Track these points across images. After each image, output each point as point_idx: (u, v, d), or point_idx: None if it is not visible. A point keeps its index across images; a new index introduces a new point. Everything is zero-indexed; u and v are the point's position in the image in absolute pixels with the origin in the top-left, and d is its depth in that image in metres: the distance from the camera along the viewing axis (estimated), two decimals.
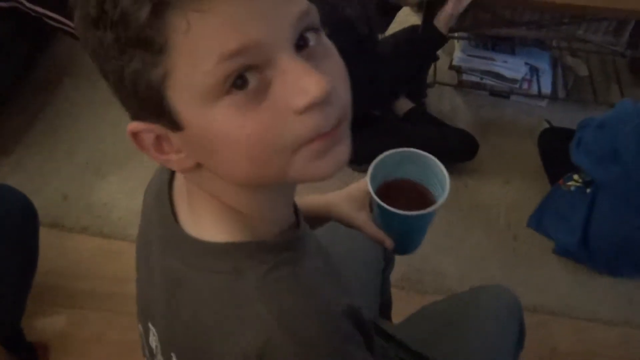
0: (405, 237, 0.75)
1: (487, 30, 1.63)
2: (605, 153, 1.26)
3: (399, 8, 1.64)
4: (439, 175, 0.71)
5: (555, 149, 1.61)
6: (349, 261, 0.92)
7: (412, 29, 1.71)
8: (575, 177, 1.46)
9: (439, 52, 1.96)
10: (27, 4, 1.61)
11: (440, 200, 0.69)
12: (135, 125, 0.44)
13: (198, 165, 0.46)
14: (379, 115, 1.68)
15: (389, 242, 0.74)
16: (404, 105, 1.78)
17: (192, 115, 0.41)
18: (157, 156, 0.46)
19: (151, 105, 0.41)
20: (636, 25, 1.55)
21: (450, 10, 1.41)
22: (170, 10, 0.37)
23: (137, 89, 0.40)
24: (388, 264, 1.04)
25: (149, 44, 0.37)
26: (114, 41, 0.38)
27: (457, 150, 1.68)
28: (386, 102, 1.61)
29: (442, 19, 1.42)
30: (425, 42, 1.48)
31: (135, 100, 0.42)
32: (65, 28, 1.64)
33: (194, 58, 0.38)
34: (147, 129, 0.44)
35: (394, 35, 1.72)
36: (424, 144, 1.62)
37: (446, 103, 1.93)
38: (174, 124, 0.42)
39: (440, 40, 1.45)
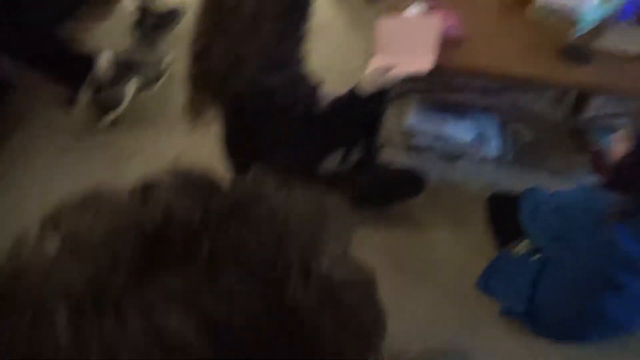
0: None
1: (437, 95, 1.68)
2: (561, 235, 1.29)
3: None
4: None
5: (503, 213, 1.64)
6: None
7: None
8: (524, 242, 1.48)
9: (392, 115, 2.02)
10: None
11: None
12: None
13: None
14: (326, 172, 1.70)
15: None
16: (353, 158, 1.81)
17: None
18: None
19: None
20: (577, 95, 1.63)
21: (375, 75, 1.45)
22: None
23: None
24: None
25: None
26: None
27: (405, 186, 1.72)
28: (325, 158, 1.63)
29: (364, 82, 1.46)
30: (352, 104, 1.50)
31: None
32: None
33: None
34: None
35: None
36: (372, 190, 1.66)
37: (398, 165, 1.95)
38: None
39: (360, 102, 1.47)
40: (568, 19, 1.65)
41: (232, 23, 1.27)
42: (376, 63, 1.52)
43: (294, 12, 1.30)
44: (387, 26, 1.57)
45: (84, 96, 1.89)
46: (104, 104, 1.91)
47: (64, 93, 1.91)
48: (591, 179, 1.84)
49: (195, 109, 1.45)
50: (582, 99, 1.64)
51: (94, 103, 1.91)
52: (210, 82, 1.37)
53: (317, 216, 0.44)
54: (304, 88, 1.45)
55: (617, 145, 1.25)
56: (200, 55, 1.35)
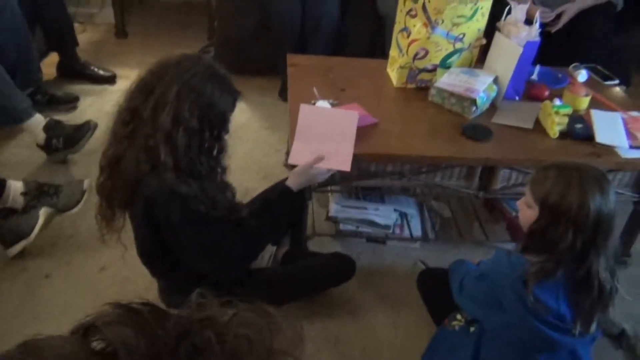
0: None
1: (355, 182, 1.74)
2: (490, 302, 1.32)
3: None
4: None
5: (435, 290, 1.67)
6: None
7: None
8: (458, 316, 1.50)
9: (316, 205, 2.06)
10: None
11: None
12: None
13: None
14: (255, 269, 1.68)
15: None
16: (282, 251, 1.80)
17: None
18: None
19: None
20: (483, 170, 1.74)
21: (298, 171, 1.51)
22: None
23: None
24: None
25: None
26: None
27: (336, 271, 1.71)
28: (255, 258, 1.62)
29: (291, 177, 1.51)
30: (278, 200, 1.53)
31: None
32: None
33: None
34: None
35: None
36: (304, 279, 1.65)
37: (327, 252, 1.97)
38: None
39: (291, 196, 1.51)
40: (463, 101, 1.80)
41: (146, 134, 1.28)
42: (296, 149, 1.57)
43: (209, 129, 1.33)
44: (307, 113, 1.63)
45: None
46: (13, 233, 1.79)
47: None
48: (510, 245, 1.93)
49: (106, 220, 1.41)
50: (489, 172, 1.75)
51: (4, 230, 1.79)
52: (121, 191, 1.35)
53: (267, 332, 0.44)
54: (223, 194, 1.45)
55: (521, 212, 1.34)
56: (112, 164, 1.34)
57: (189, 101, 1.26)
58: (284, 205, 1.53)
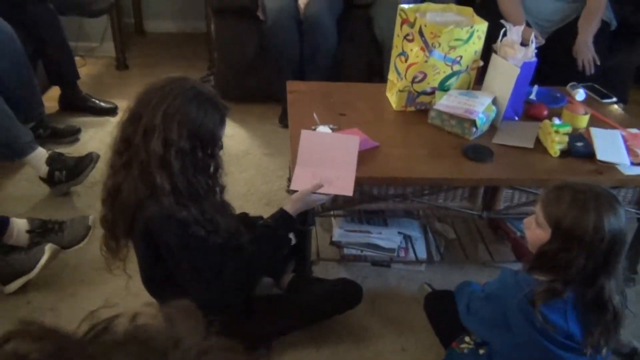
0: None
1: (358, 206, 1.74)
2: (497, 322, 1.31)
3: None
4: None
5: (442, 312, 1.65)
6: None
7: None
8: (467, 339, 1.49)
9: (319, 229, 2.06)
10: None
11: None
12: None
13: None
14: (261, 296, 1.67)
15: None
16: (286, 278, 1.79)
17: None
18: None
19: None
20: (486, 190, 1.74)
21: (297, 197, 1.51)
22: None
23: None
24: None
25: None
26: None
27: (342, 297, 1.70)
28: (253, 288, 1.61)
29: (290, 204, 1.52)
30: (276, 226, 1.53)
31: None
32: None
33: None
34: None
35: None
36: (311, 307, 1.63)
37: (332, 278, 1.95)
38: None
39: (290, 222, 1.51)
40: (463, 123, 1.81)
41: (140, 162, 1.29)
42: (298, 175, 1.57)
43: (201, 148, 1.33)
44: (308, 138, 1.64)
45: None
46: (12, 269, 1.78)
47: None
48: (516, 265, 1.92)
49: (111, 251, 1.41)
50: (491, 192, 1.75)
51: (4, 266, 1.78)
52: (122, 220, 1.35)
53: None
54: (222, 214, 1.45)
55: (529, 232, 1.33)
56: (112, 195, 1.35)
57: (176, 123, 1.27)
58: (283, 231, 1.53)
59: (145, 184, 1.28)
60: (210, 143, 1.36)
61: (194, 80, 1.36)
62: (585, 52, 2.47)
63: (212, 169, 1.39)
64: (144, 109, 1.28)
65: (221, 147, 1.41)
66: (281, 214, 1.51)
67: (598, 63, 2.45)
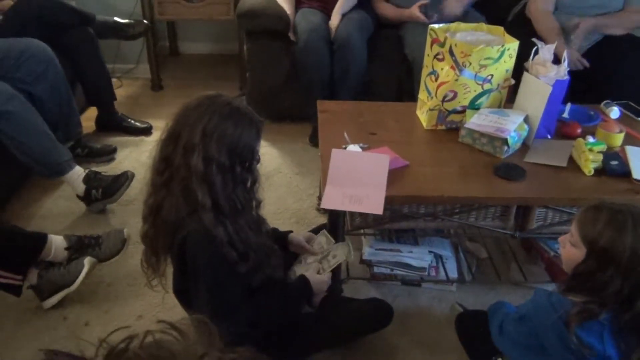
0: None
1: (388, 225, 1.74)
2: (531, 344, 1.29)
3: None
4: None
5: (474, 333, 1.63)
6: None
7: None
8: None
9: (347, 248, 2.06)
10: None
11: None
12: None
13: None
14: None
15: None
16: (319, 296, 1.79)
17: None
18: None
19: None
20: (518, 209, 1.72)
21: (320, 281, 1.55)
22: None
23: None
24: None
25: None
26: None
27: (373, 317, 1.70)
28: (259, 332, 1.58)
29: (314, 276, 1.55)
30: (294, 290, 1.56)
31: None
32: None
33: None
34: None
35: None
36: (341, 326, 1.62)
37: (362, 296, 1.94)
38: None
39: (306, 289, 1.53)
40: (494, 141, 1.80)
41: (181, 179, 1.32)
42: (329, 194, 1.58)
43: (240, 162, 1.36)
44: (339, 157, 1.65)
45: (33, 276, 1.82)
46: (52, 284, 1.83)
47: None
48: (550, 286, 1.88)
49: (152, 267, 1.44)
50: (524, 212, 1.73)
51: (43, 282, 1.83)
52: (163, 237, 1.38)
53: None
54: (257, 231, 1.47)
55: (563, 251, 1.31)
56: (153, 212, 1.38)
57: (215, 139, 1.29)
58: (299, 297, 1.55)
59: (186, 200, 1.31)
60: (249, 157, 1.38)
61: (228, 96, 1.39)
62: (580, 37, 2.48)
63: (249, 182, 1.42)
64: (183, 128, 1.31)
65: (259, 160, 1.43)
66: (303, 280, 1.54)
67: (587, 65, 2.45)
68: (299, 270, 1.66)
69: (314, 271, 1.59)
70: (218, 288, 1.36)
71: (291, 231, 1.77)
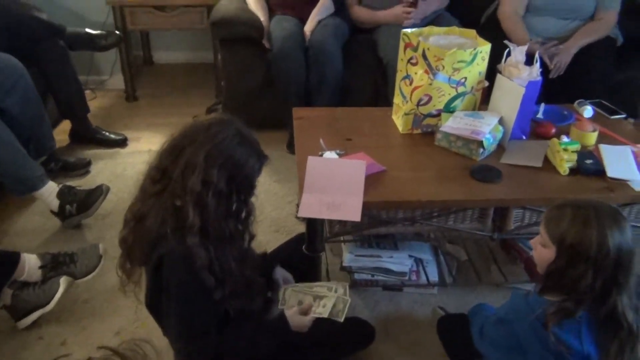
0: None
1: (367, 231, 1.73)
2: (512, 346, 1.29)
3: None
4: None
5: (455, 336, 1.63)
6: None
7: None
8: None
9: (329, 255, 2.04)
10: None
11: None
12: None
13: None
14: None
15: None
16: None
17: None
18: None
19: None
20: (496, 211, 1.72)
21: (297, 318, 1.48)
22: None
23: None
24: None
25: None
26: None
27: (354, 339, 1.66)
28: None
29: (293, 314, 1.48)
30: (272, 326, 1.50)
31: None
32: None
33: None
34: None
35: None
36: (320, 342, 1.59)
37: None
38: None
39: (284, 329, 1.46)
40: (470, 144, 1.80)
41: (174, 195, 1.29)
42: (306, 201, 1.56)
43: (236, 192, 1.33)
44: (315, 165, 1.64)
45: (7, 297, 1.78)
46: (27, 304, 1.78)
47: None
48: (530, 286, 1.89)
49: (125, 273, 1.41)
50: (502, 213, 1.73)
51: (18, 302, 1.78)
52: (141, 248, 1.35)
53: None
54: (241, 263, 1.41)
55: (536, 253, 1.31)
56: (136, 219, 1.35)
57: (218, 164, 1.27)
58: (273, 336, 1.48)
59: (175, 216, 1.28)
60: (246, 189, 1.36)
61: (239, 123, 1.36)
62: (566, 57, 2.50)
63: (244, 214, 1.39)
64: (188, 145, 1.28)
65: (255, 195, 1.41)
66: (282, 318, 1.48)
67: (561, 73, 2.50)
68: (289, 296, 1.60)
69: (298, 309, 1.50)
70: (190, 311, 1.33)
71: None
